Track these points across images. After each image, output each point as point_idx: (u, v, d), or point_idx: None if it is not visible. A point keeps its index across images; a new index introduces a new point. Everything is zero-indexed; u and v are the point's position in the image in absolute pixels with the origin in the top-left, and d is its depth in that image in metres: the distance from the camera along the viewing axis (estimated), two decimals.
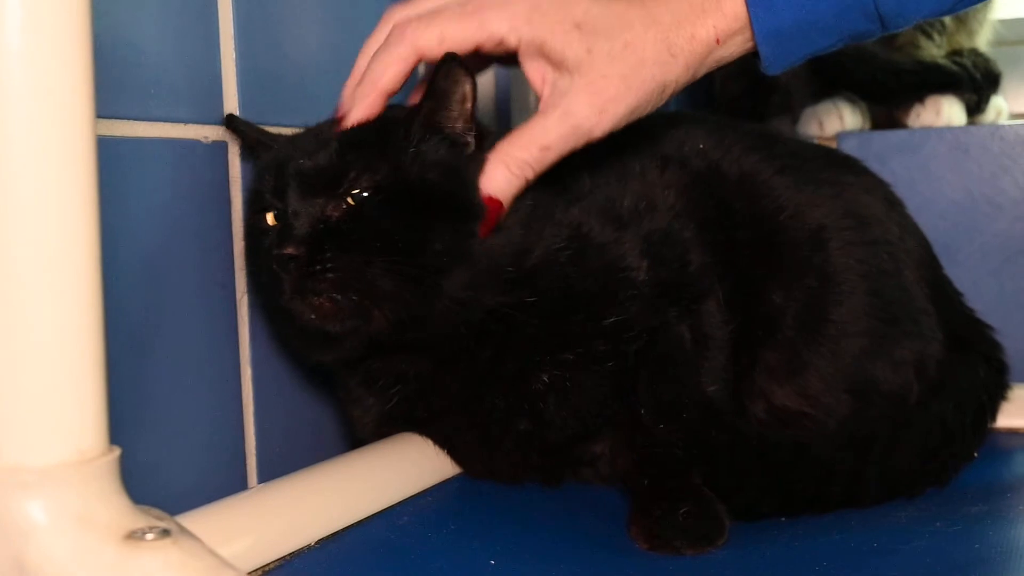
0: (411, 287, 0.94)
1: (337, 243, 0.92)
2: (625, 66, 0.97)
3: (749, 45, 1.01)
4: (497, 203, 0.97)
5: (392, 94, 0.99)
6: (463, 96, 0.97)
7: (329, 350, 1.02)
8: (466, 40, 0.96)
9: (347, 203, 0.94)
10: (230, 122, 1.03)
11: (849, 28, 1.00)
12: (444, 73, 0.95)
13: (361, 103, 0.98)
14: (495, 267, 0.98)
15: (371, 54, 1.00)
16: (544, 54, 0.97)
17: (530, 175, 0.98)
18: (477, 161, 0.98)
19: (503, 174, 0.97)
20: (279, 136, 1.03)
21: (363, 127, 0.98)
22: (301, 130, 1.04)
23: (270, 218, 0.97)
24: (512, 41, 0.97)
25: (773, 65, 1.01)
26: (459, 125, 0.98)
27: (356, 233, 0.93)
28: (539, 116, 0.98)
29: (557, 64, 0.97)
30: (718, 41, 0.99)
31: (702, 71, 1.01)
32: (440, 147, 0.97)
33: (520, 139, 0.97)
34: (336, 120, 1.01)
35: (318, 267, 0.92)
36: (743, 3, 0.98)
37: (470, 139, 0.99)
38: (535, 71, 0.99)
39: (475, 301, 0.97)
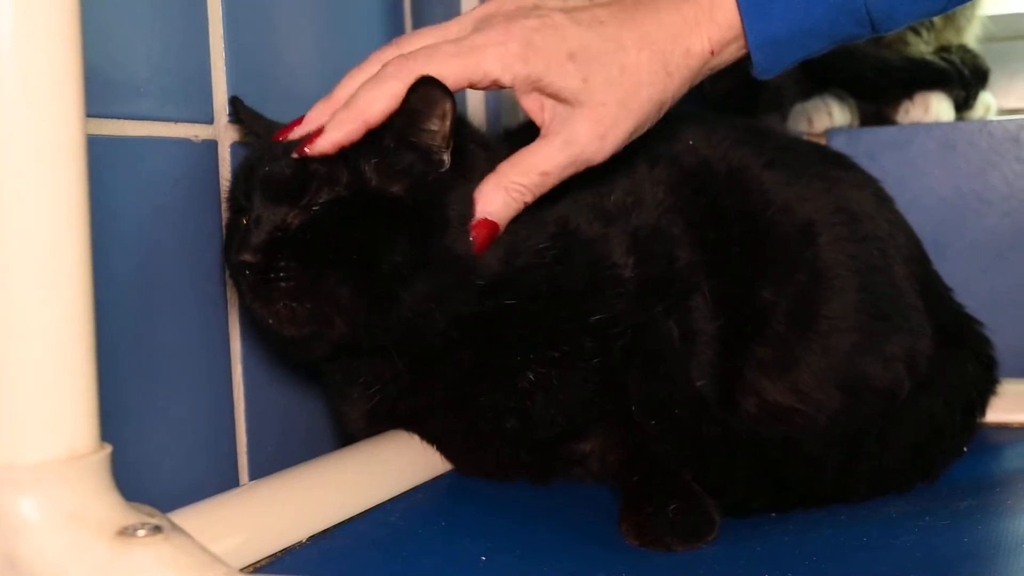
0: (368, 297, 0.94)
1: (293, 252, 0.93)
2: (622, 91, 0.98)
3: (743, 53, 1.01)
4: (494, 225, 0.97)
5: (374, 128, 0.96)
6: (441, 114, 0.95)
7: (298, 351, 1.03)
8: (461, 80, 0.96)
9: (308, 212, 0.94)
10: (233, 106, 1.03)
11: (841, 33, 1.00)
12: (420, 95, 0.94)
13: (342, 127, 0.95)
14: (465, 279, 0.97)
15: (355, 84, 0.98)
16: (540, 89, 0.97)
17: (528, 199, 0.98)
18: (453, 178, 0.97)
19: (502, 198, 0.97)
20: (272, 125, 1.03)
21: None
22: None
23: (246, 220, 0.97)
24: (507, 80, 0.97)
25: (766, 71, 1.02)
26: (435, 142, 0.97)
27: (313, 242, 0.93)
28: (541, 141, 0.98)
29: (554, 96, 0.97)
30: (713, 52, 1.00)
31: (697, 80, 1.02)
32: (411, 162, 0.96)
33: (521, 164, 0.97)
34: (288, 132, 0.99)
35: (272, 275, 0.92)
36: (736, 12, 0.99)
37: (445, 157, 0.97)
38: (532, 104, 0.99)
39: (439, 311, 0.97)
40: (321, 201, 0.94)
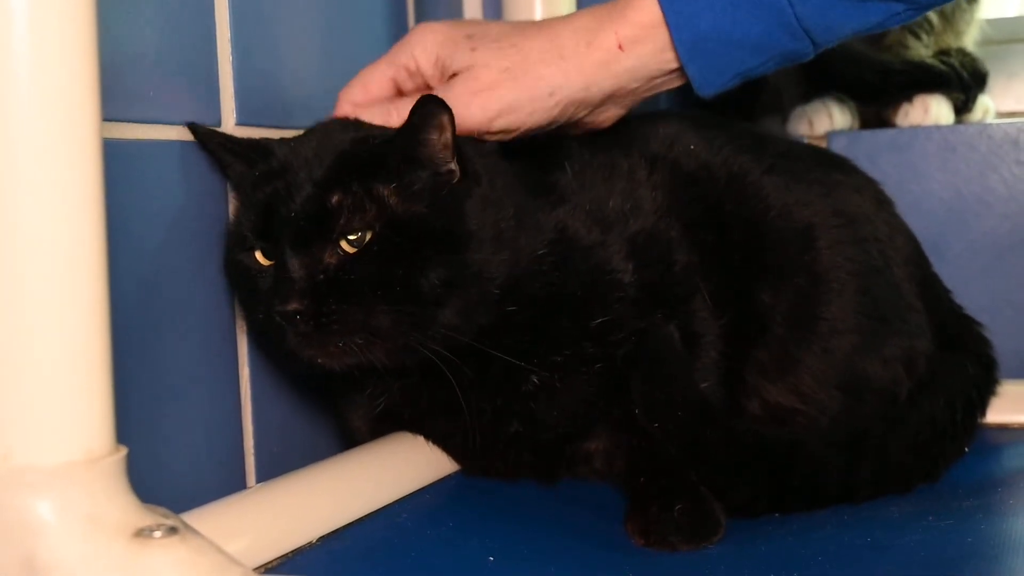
0: (409, 322, 0.94)
1: (339, 293, 0.92)
2: (508, 60, 1.01)
3: (669, 56, 1.02)
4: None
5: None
6: (439, 125, 0.95)
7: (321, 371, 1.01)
8: (382, 76, 1.05)
9: (341, 249, 0.94)
10: (193, 131, 1.00)
11: (778, 47, 1.01)
12: (419, 113, 0.94)
13: None
14: (486, 289, 0.98)
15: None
16: (442, 69, 1.04)
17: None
18: (466, 187, 0.98)
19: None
20: (248, 142, 1.01)
21: (341, 164, 0.96)
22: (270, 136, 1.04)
23: (260, 257, 0.97)
24: (424, 62, 1.05)
25: (703, 84, 1.03)
26: (437, 153, 0.97)
27: (356, 280, 0.93)
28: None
29: (454, 72, 1.03)
30: (621, 47, 1.01)
31: (607, 81, 1.03)
32: (423, 178, 0.96)
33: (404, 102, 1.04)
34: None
35: (323, 319, 0.92)
36: (654, 12, 1.00)
37: (453, 166, 0.98)
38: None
39: (468, 324, 0.98)
40: (352, 234, 0.94)
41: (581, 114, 1.06)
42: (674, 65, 1.03)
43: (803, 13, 0.98)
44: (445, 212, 0.96)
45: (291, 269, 0.93)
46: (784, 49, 1.01)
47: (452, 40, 1.04)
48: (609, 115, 1.09)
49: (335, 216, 0.94)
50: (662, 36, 1.01)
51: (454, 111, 0.97)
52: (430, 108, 0.94)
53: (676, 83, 1.05)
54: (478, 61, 1.02)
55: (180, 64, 0.99)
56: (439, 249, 0.95)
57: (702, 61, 1.01)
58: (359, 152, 0.97)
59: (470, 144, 1.02)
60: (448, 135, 0.96)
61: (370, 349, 0.94)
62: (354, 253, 0.94)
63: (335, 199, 0.94)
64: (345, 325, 0.93)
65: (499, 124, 1.02)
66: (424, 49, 1.05)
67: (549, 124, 1.05)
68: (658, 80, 1.05)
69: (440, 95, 0.98)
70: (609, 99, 1.06)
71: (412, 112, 0.95)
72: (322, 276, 0.93)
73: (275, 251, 0.95)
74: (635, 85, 1.05)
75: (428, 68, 1.05)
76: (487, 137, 1.04)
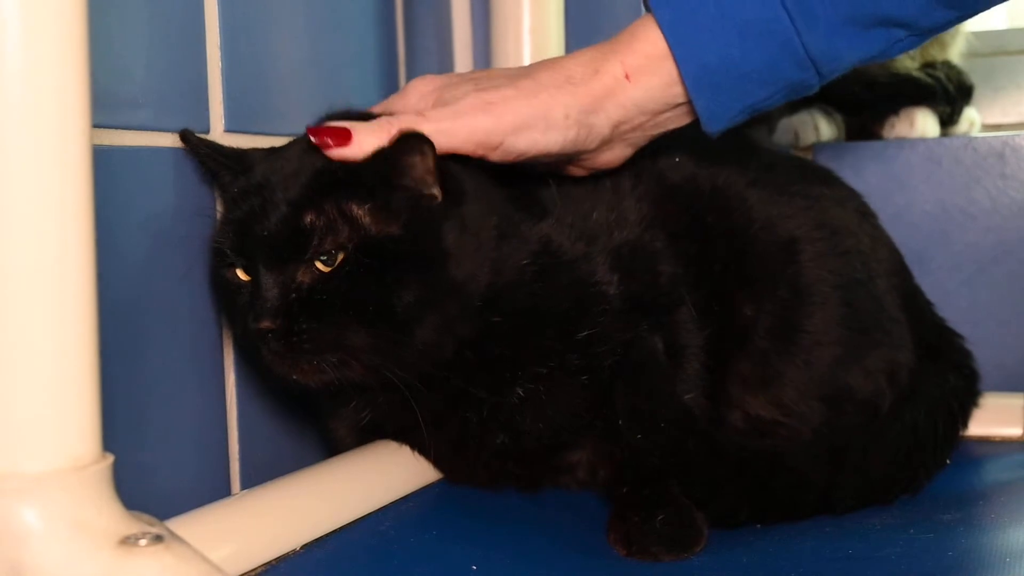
0: (385, 341, 0.94)
1: (311, 312, 0.93)
2: (518, 82, 1.00)
3: (677, 91, 1.01)
4: (348, 139, 0.96)
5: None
6: (420, 152, 0.94)
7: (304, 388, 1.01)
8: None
9: (315, 268, 0.94)
10: (185, 138, 1.00)
11: (784, 77, 1.00)
12: (398, 144, 0.94)
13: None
14: (466, 305, 0.98)
15: None
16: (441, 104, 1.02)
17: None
18: (446, 207, 0.97)
19: (373, 132, 0.96)
20: (234, 153, 1.01)
21: (316, 182, 0.96)
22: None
23: (241, 273, 0.97)
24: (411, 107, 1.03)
25: (711, 118, 1.01)
26: (417, 176, 0.95)
27: (329, 300, 0.93)
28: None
29: None
30: (628, 77, 1.00)
31: (615, 110, 1.01)
32: (401, 200, 0.95)
33: (406, 118, 0.98)
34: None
35: (295, 338, 0.92)
36: (661, 44, 0.99)
37: (435, 191, 0.97)
38: None
39: (447, 339, 0.98)
40: (326, 254, 0.93)
41: (590, 145, 1.03)
42: (682, 99, 1.01)
43: (809, 41, 0.97)
44: (421, 233, 0.96)
45: (264, 288, 0.94)
46: (790, 80, 1.00)
47: (452, 81, 1.03)
48: (616, 154, 1.07)
49: (308, 237, 0.93)
50: (669, 69, 1.00)
51: (463, 123, 0.97)
52: (409, 140, 0.93)
53: (684, 120, 1.04)
54: (486, 86, 1.00)
55: (169, 71, 0.99)
56: (414, 270, 0.95)
57: (710, 94, 1.00)
58: (335, 171, 0.96)
59: (454, 162, 1.00)
60: (430, 162, 0.95)
61: (347, 367, 0.95)
62: (328, 272, 0.94)
63: (308, 219, 0.94)
64: (316, 344, 0.93)
65: (511, 142, 0.99)
66: (418, 92, 1.04)
67: (560, 150, 1.02)
68: (666, 115, 1.03)
69: (450, 109, 0.98)
70: (616, 131, 1.03)
71: (392, 145, 0.94)
72: (294, 295, 0.93)
73: (251, 268, 0.96)
74: (642, 119, 1.03)
75: (426, 106, 1.03)
76: (493, 158, 1.01)
